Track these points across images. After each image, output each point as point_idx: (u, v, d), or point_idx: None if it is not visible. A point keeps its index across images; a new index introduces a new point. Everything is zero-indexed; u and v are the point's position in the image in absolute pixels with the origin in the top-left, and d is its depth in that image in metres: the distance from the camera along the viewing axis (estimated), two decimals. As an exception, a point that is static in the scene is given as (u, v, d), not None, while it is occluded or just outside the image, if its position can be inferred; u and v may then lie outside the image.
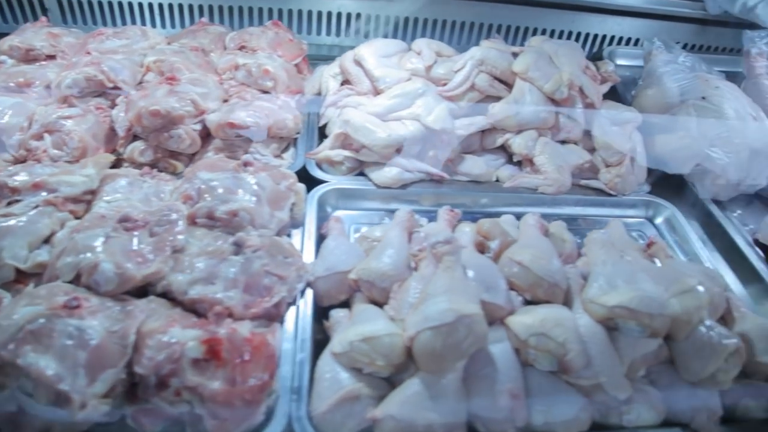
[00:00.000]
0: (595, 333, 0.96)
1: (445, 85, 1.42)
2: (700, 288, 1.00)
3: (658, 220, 1.42)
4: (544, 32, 1.84)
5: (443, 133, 1.33)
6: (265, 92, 1.41)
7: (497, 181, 1.41)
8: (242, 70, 1.41)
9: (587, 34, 1.87)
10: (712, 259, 1.34)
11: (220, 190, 1.12)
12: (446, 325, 0.88)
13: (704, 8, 1.82)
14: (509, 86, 1.44)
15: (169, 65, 1.38)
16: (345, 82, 1.48)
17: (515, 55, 1.49)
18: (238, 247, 1.04)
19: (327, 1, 1.74)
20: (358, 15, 1.76)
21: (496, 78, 1.43)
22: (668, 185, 1.51)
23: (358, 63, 1.44)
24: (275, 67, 1.40)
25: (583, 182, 1.42)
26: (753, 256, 1.32)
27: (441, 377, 0.90)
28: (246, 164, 1.17)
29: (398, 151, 1.33)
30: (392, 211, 1.30)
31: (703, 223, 1.45)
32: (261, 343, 0.95)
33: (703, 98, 1.48)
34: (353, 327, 0.96)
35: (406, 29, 1.79)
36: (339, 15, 1.76)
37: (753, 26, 1.72)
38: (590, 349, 0.95)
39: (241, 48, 1.51)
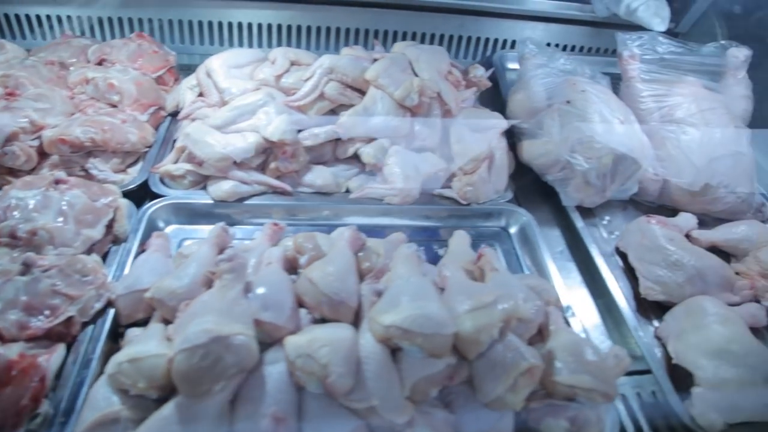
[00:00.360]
0: (374, 353, 0.91)
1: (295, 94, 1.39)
2: (497, 305, 0.95)
3: (513, 230, 1.36)
4: (432, 37, 1.81)
5: (285, 144, 1.29)
6: (114, 106, 1.40)
7: (348, 191, 1.37)
8: (91, 84, 1.40)
9: (478, 38, 1.83)
10: (564, 270, 1.29)
11: (27, 209, 1.10)
12: (199, 347, 0.84)
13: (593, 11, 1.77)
14: (365, 94, 1.41)
15: (15, 80, 1.37)
16: (202, 93, 1.46)
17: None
18: (27, 267, 1.02)
19: (223, 12, 1.73)
20: (244, 24, 1.74)
21: (349, 86, 1.40)
22: (538, 192, 1.47)
23: (208, 74, 1.41)
24: (121, 81, 1.39)
25: (437, 191, 1.37)
26: (604, 266, 1.26)
27: (199, 401, 0.87)
28: (57, 182, 1.15)
29: (238, 163, 1.31)
30: (231, 225, 1.30)
31: (565, 232, 1.40)
32: (29, 365, 0.93)
33: (568, 102, 1.43)
34: (126, 347, 0.93)
35: (287, 36, 1.77)
36: (237, 24, 1.74)
37: (641, 28, 1.66)
38: (366, 370, 0.90)
39: (101, 61, 1.50)
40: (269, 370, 0.92)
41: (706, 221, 1.46)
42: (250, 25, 1.74)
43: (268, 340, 0.95)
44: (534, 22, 1.81)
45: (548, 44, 1.85)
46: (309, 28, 1.76)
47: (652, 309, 1.24)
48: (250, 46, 1.77)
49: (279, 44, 1.78)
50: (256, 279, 1.00)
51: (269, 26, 1.75)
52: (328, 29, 1.77)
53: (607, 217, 1.45)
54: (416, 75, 1.43)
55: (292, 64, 1.46)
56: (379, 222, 1.34)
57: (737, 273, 1.34)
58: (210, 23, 1.73)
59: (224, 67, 1.41)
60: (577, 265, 1.32)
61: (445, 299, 0.99)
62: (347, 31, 1.78)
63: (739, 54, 1.56)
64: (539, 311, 1.04)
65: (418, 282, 0.98)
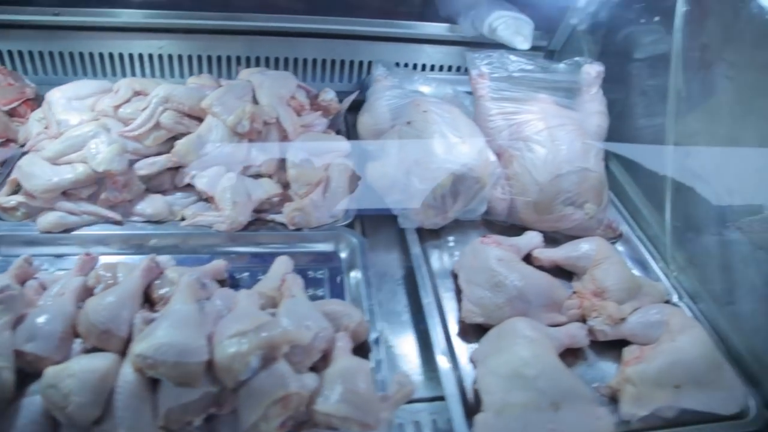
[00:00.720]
0: (127, 382, 0.94)
1: (134, 124, 1.44)
2: (259, 332, 0.97)
3: (343, 254, 1.39)
4: (305, 62, 1.87)
5: (113, 174, 1.34)
6: (-46, 140, 1.47)
7: (183, 219, 1.42)
8: (-68, 120, 1.47)
9: (351, 62, 1.89)
10: (392, 293, 1.33)
11: None
12: (-60, 380, 0.88)
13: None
14: (206, 122, 1.46)
15: None
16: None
17: (227, 89, 1.52)
18: None
19: (95, 42, 1.79)
20: (115, 54, 1.81)
21: (187, 115, 1.45)
22: (387, 215, 1.49)
23: (49, 106, 1.48)
24: (-41, 115, 1.46)
25: (270, 217, 1.41)
26: (427, 289, 1.28)
27: (-58, 435, 0.90)
28: None
29: (67, 194, 1.36)
30: (60, 256, 1.35)
31: (403, 256, 1.43)
32: None
33: (409, 123, 1.47)
34: None
35: (160, 65, 1.84)
36: (108, 55, 1.80)
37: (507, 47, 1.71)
38: (117, 399, 0.93)
39: (-47, 96, 1.57)
40: (27, 401, 0.95)
41: (559, 239, 1.48)
42: (121, 56, 1.81)
43: (36, 371, 0.99)
44: (408, 44, 1.87)
45: (423, 66, 1.91)
46: (180, 57, 1.83)
47: (475, 333, 1.26)
48: (124, 75, 1.84)
49: (153, 74, 1.85)
50: (33, 310, 1.05)
51: (140, 56, 1.82)
52: (200, 57, 1.84)
53: (452, 238, 1.48)
54: (257, 101, 1.49)
55: (138, 94, 1.52)
56: (209, 250, 1.37)
57: (576, 292, 1.36)
58: (81, 54, 1.80)
59: (63, 98, 1.47)
60: (406, 289, 1.35)
61: (219, 326, 1.02)
62: (219, 59, 1.84)
63: (592, 70, 1.60)
64: (323, 338, 1.06)
65: (182, 310, 1.01)
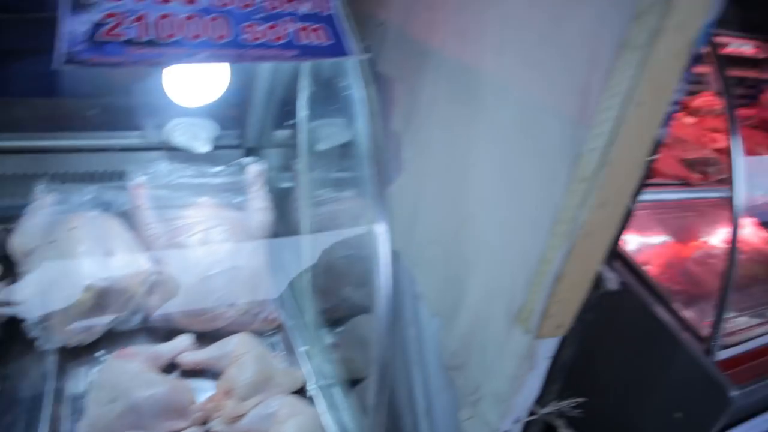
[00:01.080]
0: None
1: None
2: None
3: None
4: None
5: None
6: None
7: None
8: None
9: (55, 174, 1.96)
10: (13, 423, 1.37)
11: None
12: None
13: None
14: None
15: None
16: None
17: None
18: None
19: None
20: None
21: None
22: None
23: None
24: None
25: None
26: (45, 415, 1.33)
27: None
28: None
29: None
30: None
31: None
32: None
33: (52, 242, 1.57)
34: None
35: None
36: None
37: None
38: None
39: None
40: None
41: (220, 338, 1.59)
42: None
43: None
44: (95, 153, 1.95)
45: (121, 173, 2.02)
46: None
47: (94, 453, 1.32)
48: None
49: None
50: None
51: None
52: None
53: (103, 352, 1.55)
54: None
55: None
56: None
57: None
58: None
59: None
60: (32, 415, 1.39)
61: None
62: None
63: (253, 170, 1.80)
64: None
65: None
